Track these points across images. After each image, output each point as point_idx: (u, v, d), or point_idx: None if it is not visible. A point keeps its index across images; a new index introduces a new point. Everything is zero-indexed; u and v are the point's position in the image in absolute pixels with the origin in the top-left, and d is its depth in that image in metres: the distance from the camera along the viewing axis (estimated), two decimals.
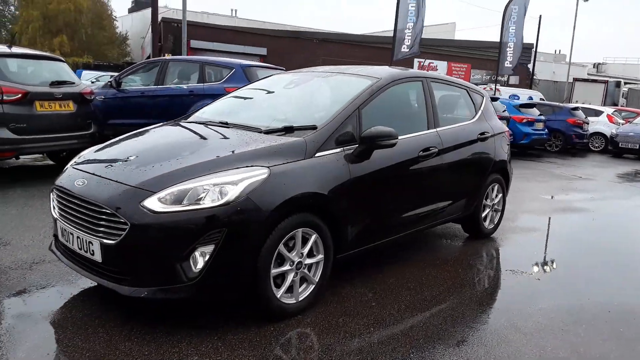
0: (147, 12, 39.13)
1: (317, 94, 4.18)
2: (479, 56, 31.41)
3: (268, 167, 2.98)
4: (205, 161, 2.99)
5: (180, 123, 4.01)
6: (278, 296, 3.03)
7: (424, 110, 4.31)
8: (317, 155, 3.26)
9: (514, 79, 31.77)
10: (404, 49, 14.85)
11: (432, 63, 31.24)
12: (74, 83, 7.32)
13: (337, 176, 3.30)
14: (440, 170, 4.24)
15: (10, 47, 7.21)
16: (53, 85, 6.91)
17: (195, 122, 3.93)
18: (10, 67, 6.69)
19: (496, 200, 5.23)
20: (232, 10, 48.56)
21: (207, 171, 2.89)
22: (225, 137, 3.42)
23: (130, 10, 49.75)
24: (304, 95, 4.21)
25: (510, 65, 18.10)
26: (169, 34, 24.68)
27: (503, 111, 12.51)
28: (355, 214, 3.49)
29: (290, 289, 3.14)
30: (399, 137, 3.85)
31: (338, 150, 3.39)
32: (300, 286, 3.20)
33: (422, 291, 3.69)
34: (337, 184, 3.29)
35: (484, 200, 5.02)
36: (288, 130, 3.40)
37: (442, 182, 4.33)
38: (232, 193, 2.79)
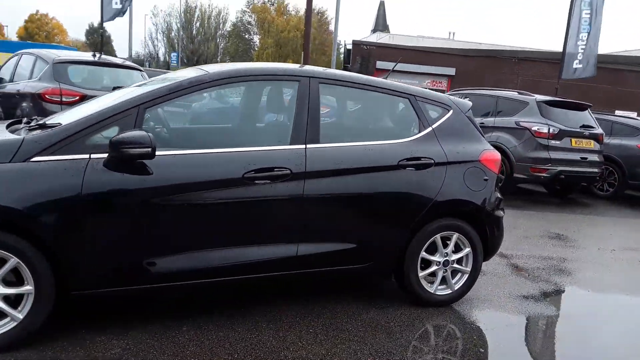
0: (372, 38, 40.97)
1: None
2: None
3: None
4: None
5: None
6: None
7: (291, 119, 3.21)
8: (34, 159, 2.62)
9: None
10: (576, 65, 12.14)
11: None
12: None
13: (54, 189, 2.60)
14: (302, 201, 3.09)
15: (94, 55, 8.06)
16: (115, 89, 7.45)
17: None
18: (77, 73, 7.43)
19: (454, 257, 3.65)
20: (449, 33, 47.44)
21: None
22: None
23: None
24: (130, 92, 3.53)
25: None
26: (357, 56, 25.13)
27: None
28: (97, 242, 2.71)
29: None
30: (212, 150, 2.98)
31: (81, 157, 2.69)
32: None
33: None
34: (53, 199, 2.59)
35: (427, 254, 3.55)
36: (42, 127, 2.86)
37: (306, 217, 3.15)
38: None
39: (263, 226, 3.07)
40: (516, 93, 9.10)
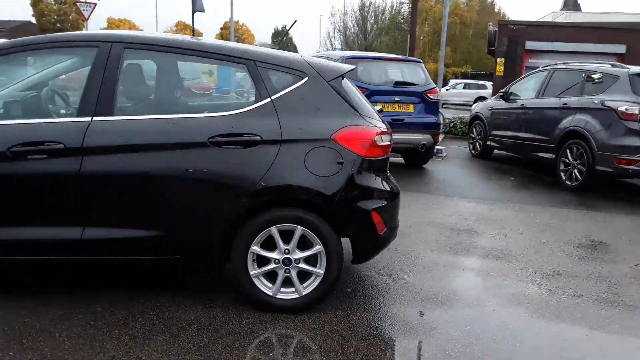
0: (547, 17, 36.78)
1: None
2: None
3: None
4: None
5: None
6: None
7: (82, 89, 2.93)
8: None
9: None
10: None
11: None
12: None
13: None
14: (79, 179, 2.80)
15: None
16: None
17: None
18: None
19: (299, 255, 2.98)
20: None
21: None
22: None
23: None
24: None
25: None
26: (503, 37, 22.90)
27: None
28: None
29: None
30: None
31: None
32: None
33: None
34: None
35: (262, 250, 2.96)
36: None
37: (87, 198, 2.85)
38: None
39: (40, 204, 2.86)
40: (608, 65, 7.28)
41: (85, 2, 20.04)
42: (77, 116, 2.87)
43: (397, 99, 7.36)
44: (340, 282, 3.49)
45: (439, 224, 5.09)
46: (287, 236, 2.97)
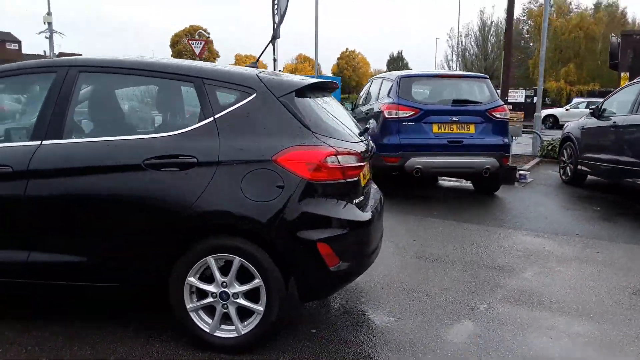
0: None
1: None
2: None
3: None
4: None
5: None
6: None
7: (35, 113, 2.96)
8: None
9: None
10: None
11: None
12: None
13: None
14: (24, 202, 2.80)
15: None
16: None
17: None
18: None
19: (239, 289, 2.70)
20: None
21: None
22: None
23: None
24: None
25: None
26: (628, 49, 20.69)
27: None
28: None
29: None
30: None
31: None
32: None
33: None
34: None
35: (199, 282, 2.74)
36: None
37: (32, 221, 2.84)
38: None
39: None
40: None
41: (197, 40, 21.94)
42: (30, 140, 2.91)
43: (455, 118, 6.74)
44: (309, 320, 3.16)
45: (470, 258, 4.47)
46: (228, 268, 2.72)
